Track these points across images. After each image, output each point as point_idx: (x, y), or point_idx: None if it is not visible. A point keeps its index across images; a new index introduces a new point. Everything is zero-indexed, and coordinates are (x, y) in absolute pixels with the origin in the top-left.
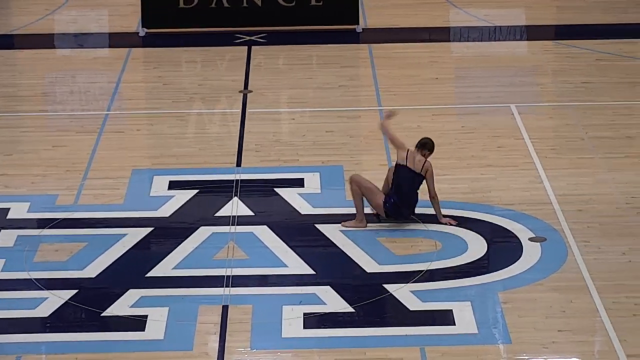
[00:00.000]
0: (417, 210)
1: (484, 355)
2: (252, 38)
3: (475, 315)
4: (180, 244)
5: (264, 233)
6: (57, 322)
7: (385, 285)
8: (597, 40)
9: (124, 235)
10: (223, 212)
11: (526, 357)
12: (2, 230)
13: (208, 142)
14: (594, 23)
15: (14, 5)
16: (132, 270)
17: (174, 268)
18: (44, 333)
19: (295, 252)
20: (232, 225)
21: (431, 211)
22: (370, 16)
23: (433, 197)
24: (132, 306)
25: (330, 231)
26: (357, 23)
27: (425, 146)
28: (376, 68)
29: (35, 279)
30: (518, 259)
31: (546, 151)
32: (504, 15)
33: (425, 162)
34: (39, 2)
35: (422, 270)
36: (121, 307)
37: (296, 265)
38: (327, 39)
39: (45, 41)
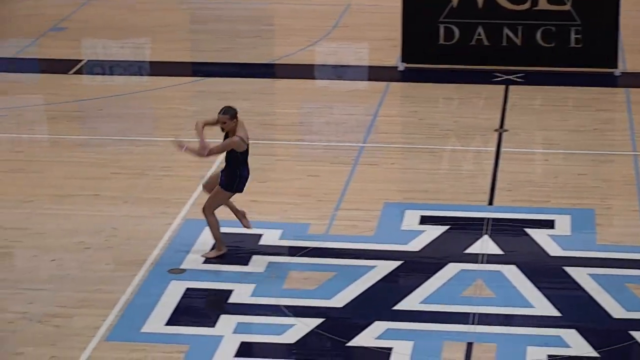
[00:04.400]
0: None
1: None
2: (510, 77)
3: None
4: (428, 278)
5: (511, 272)
6: (302, 349)
7: (632, 332)
8: None
9: (373, 267)
10: (472, 249)
11: None
12: (254, 256)
13: (460, 179)
14: None
15: (276, 36)
16: (379, 302)
17: (421, 302)
18: (289, 359)
19: (542, 293)
20: (481, 263)
21: None
22: (630, 60)
23: None
24: (377, 338)
25: (579, 274)
26: (616, 67)
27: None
28: (632, 113)
29: (283, 306)
30: None
31: None
32: None
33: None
34: (301, 34)
35: None
36: (367, 338)
37: (542, 306)
38: (584, 81)
39: (304, 71)
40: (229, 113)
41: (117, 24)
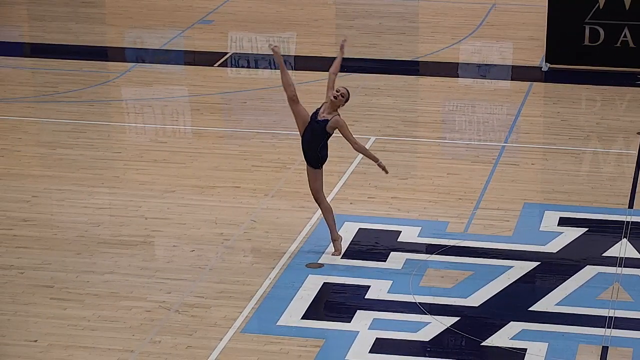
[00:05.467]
0: None
1: None
2: None
3: None
4: (565, 280)
5: None
6: (437, 347)
7: None
8: None
9: (510, 267)
10: (610, 252)
11: None
12: (392, 253)
13: (600, 182)
14: None
15: (422, 33)
16: (515, 302)
17: (557, 304)
18: (424, 357)
19: None
20: (619, 266)
21: None
22: None
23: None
24: (512, 338)
25: None
26: None
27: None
28: None
29: (419, 303)
30: None
31: None
32: None
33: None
34: (446, 32)
35: None
36: (501, 338)
37: None
38: None
39: (448, 69)
40: (348, 95)
41: (264, 18)
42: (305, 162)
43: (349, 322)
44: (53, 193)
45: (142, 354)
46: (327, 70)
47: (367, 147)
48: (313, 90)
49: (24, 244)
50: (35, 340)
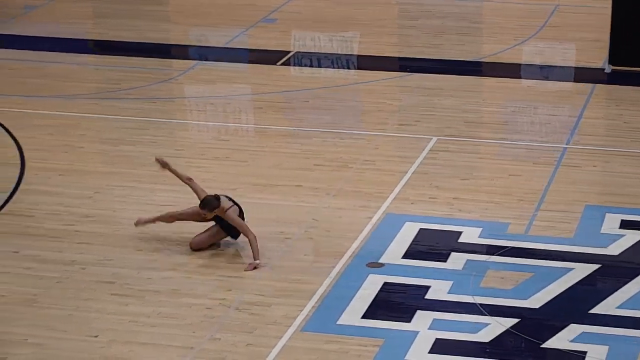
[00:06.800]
0: None
1: None
2: None
3: None
4: (626, 283)
5: None
6: (496, 348)
7: None
8: None
9: (571, 269)
10: None
11: None
12: (452, 253)
13: None
14: None
15: (484, 34)
16: (576, 305)
17: (618, 307)
18: (483, 358)
19: None
20: None
21: None
22: None
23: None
24: (572, 341)
25: None
26: None
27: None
28: None
29: (479, 304)
30: None
31: None
32: None
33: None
34: (508, 33)
35: None
36: (561, 340)
37: None
38: None
39: (510, 70)
40: (208, 206)
41: (327, 17)
42: None
43: (409, 322)
44: (115, 189)
45: (201, 351)
46: (389, 70)
47: (428, 147)
48: (374, 89)
49: (85, 240)
50: (96, 336)
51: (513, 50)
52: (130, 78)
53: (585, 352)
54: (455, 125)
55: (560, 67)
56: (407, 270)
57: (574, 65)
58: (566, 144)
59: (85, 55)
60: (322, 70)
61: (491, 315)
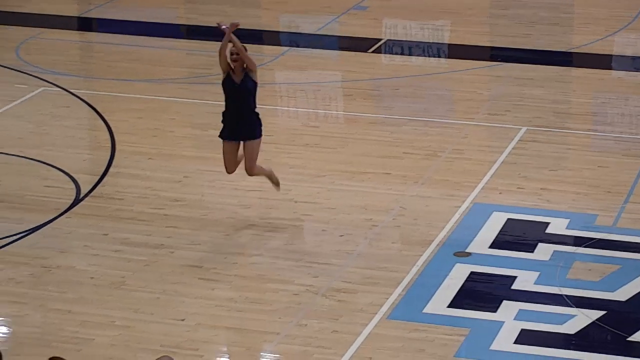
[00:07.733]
0: None
1: None
2: None
3: None
4: None
5: None
6: (582, 341)
7: None
8: None
9: None
10: None
11: None
12: (539, 244)
13: None
14: None
15: (575, 24)
16: None
17: None
18: (568, 350)
19: None
20: None
21: None
22: None
23: None
24: None
25: None
26: None
27: None
28: None
29: (565, 295)
30: None
31: None
32: None
33: None
34: (600, 23)
35: None
36: None
37: None
38: None
39: (601, 61)
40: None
41: (419, 5)
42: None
43: (495, 312)
44: (204, 174)
45: (287, 336)
46: (479, 59)
47: (517, 138)
48: (466, 79)
49: (174, 224)
50: (183, 319)
51: (604, 41)
52: None
53: None
54: (544, 116)
55: None
56: (494, 260)
57: None
58: None
59: (177, 40)
60: (413, 58)
61: (577, 307)
